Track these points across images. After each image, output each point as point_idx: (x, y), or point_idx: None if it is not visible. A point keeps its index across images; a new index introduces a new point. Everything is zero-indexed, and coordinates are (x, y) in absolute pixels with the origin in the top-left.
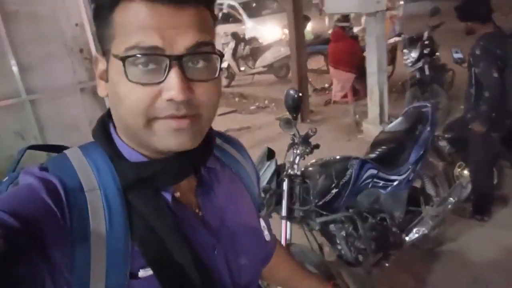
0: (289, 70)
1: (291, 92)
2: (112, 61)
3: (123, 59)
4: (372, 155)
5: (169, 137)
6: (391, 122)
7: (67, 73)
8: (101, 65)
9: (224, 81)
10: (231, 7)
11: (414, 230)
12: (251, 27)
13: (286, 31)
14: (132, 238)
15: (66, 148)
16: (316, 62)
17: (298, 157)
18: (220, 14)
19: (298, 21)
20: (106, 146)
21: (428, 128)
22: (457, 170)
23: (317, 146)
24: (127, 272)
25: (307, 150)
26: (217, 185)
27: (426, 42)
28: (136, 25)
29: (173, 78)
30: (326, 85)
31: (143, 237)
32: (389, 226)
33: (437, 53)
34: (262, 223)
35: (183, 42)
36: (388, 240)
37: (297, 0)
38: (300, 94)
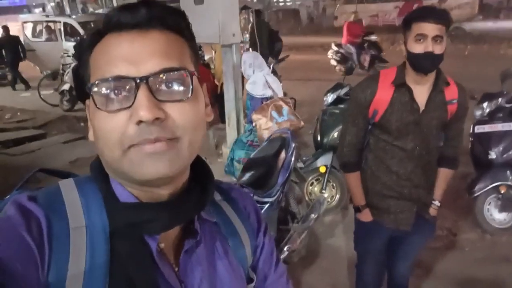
0: None
1: None
2: (90, 99)
3: (89, 89)
4: (245, 179)
5: (145, 164)
6: None
7: None
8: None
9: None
10: None
11: (285, 248)
12: None
13: None
14: (110, 285)
15: (76, 175)
16: None
17: None
18: None
19: None
20: (100, 183)
21: (290, 152)
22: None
23: None
24: None
25: None
26: (202, 241)
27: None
28: (104, 59)
29: (140, 98)
30: None
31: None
32: None
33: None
34: None
35: (148, 67)
36: None
37: None
38: None
